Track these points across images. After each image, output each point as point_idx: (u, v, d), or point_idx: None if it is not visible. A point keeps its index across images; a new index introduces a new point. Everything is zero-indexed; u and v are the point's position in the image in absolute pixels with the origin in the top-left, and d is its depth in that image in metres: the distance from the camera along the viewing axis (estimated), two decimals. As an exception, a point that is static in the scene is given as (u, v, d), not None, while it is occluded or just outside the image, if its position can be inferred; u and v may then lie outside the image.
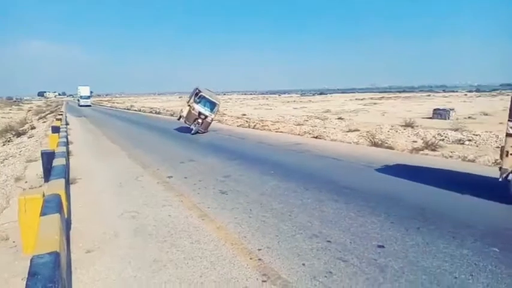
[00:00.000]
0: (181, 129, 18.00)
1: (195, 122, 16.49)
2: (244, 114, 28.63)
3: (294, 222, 4.99)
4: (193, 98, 16.98)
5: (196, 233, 4.70)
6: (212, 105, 17.21)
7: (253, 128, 19.04)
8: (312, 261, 3.83)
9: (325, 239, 4.37)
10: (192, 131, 16.39)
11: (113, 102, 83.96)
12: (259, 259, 3.91)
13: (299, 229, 4.72)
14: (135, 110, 45.25)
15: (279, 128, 17.69)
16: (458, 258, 3.79)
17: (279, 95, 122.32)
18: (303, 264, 3.75)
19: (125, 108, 51.66)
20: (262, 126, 19.00)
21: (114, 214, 5.54)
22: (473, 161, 8.86)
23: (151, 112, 38.82)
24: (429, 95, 79.96)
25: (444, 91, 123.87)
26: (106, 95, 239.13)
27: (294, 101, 64.88)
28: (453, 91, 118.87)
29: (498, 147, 10.83)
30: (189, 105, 16.90)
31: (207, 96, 17.06)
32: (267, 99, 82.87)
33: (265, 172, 8.11)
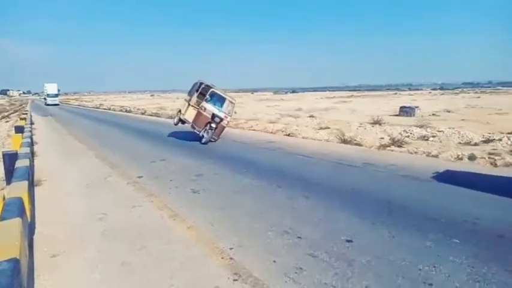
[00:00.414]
0: (155, 129, 17.64)
1: (207, 128, 12.42)
2: (217, 112, 28.36)
3: (266, 219, 5.02)
4: (196, 95, 13.40)
5: (166, 233, 4.63)
6: (227, 105, 13.10)
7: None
8: (283, 257, 3.87)
9: (295, 236, 4.43)
10: (204, 139, 12.37)
11: (81, 101, 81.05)
12: (231, 258, 3.90)
13: (271, 226, 4.75)
14: (105, 109, 43.94)
15: (252, 126, 17.72)
16: (421, 251, 3.95)
17: (252, 93, 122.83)
18: (274, 261, 3.79)
19: (93, 107, 50.01)
20: (235, 124, 18.95)
21: (81, 216, 5.36)
22: (436, 156, 9.25)
23: (121, 111, 37.80)
24: (396, 93, 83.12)
25: (410, 89, 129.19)
26: (74, 93, 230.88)
27: (267, 99, 65.32)
28: (418, 89, 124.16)
29: (460, 143, 11.39)
30: (192, 106, 13.12)
31: (218, 93, 12.97)
32: (240, 97, 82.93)
33: (238, 170, 8.11)
